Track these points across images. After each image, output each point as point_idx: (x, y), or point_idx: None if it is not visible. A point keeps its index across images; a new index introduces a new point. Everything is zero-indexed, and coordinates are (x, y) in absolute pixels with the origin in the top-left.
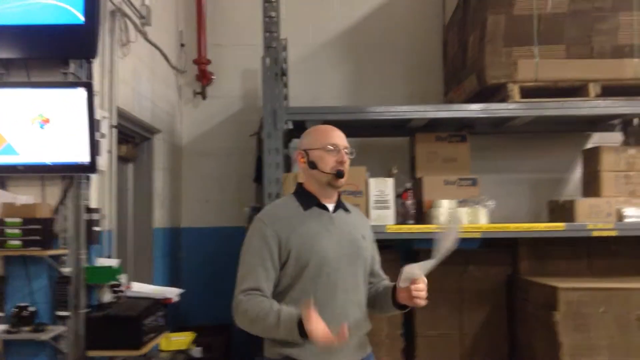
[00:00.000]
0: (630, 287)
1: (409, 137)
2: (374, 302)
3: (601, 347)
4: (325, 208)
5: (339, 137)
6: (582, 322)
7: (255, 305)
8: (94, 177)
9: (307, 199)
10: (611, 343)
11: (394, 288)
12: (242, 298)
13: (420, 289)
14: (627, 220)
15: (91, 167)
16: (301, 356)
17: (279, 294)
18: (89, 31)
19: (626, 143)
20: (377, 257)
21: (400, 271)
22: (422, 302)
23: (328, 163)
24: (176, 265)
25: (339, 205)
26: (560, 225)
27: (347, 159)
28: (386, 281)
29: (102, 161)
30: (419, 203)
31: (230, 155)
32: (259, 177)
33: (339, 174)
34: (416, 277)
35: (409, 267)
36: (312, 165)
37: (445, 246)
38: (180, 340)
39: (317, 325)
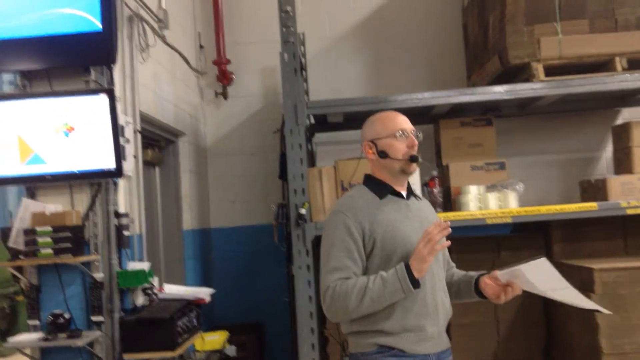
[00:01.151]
0: None
1: (432, 124)
2: (451, 287)
3: None
4: (401, 195)
5: (405, 122)
6: (619, 303)
7: (352, 284)
8: (121, 183)
9: (381, 188)
10: None
11: (478, 277)
12: (335, 285)
13: (510, 292)
14: None
15: (117, 173)
16: (398, 344)
17: None
18: (107, 38)
19: None
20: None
21: (512, 265)
22: (501, 301)
23: (400, 150)
24: (207, 266)
25: (410, 193)
26: (592, 205)
27: (416, 142)
28: (456, 269)
29: (128, 166)
30: (446, 190)
31: (254, 154)
32: (283, 174)
33: (413, 159)
34: (518, 280)
35: (526, 267)
36: (383, 154)
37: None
38: (214, 339)
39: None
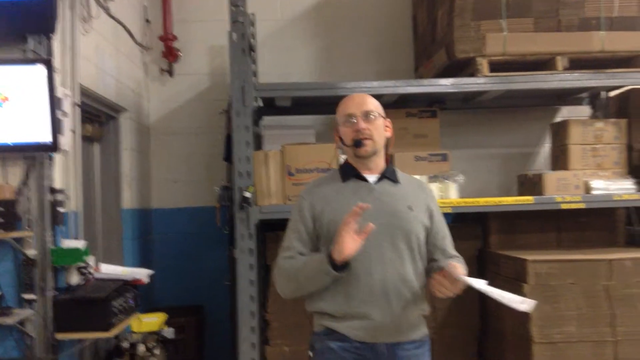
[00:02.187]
0: (597, 258)
1: None
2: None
3: (569, 318)
4: (365, 179)
5: (354, 106)
6: (550, 294)
7: (291, 263)
8: (57, 157)
9: (346, 171)
10: (579, 314)
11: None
12: (281, 262)
13: (446, 286)
14: (594, 192)
15: (53, 147)
16: (342, 329)
17: None
18: (47, 6)
19: (594, 116)
20: (443, 232)
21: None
22: (438, 294)
23: (348, 135)
24: (147, 247)
25: (385, 176)
26: (529, 199)
27: (365, 125)
28: (454, 259)
29: (66, 141)
30: None
31: (199, 134)
32: (229, 156)
33: (357, 144)
34: (461, 280)
35: (475, 281)
36: (342, 140)
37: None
38: (152, 321)
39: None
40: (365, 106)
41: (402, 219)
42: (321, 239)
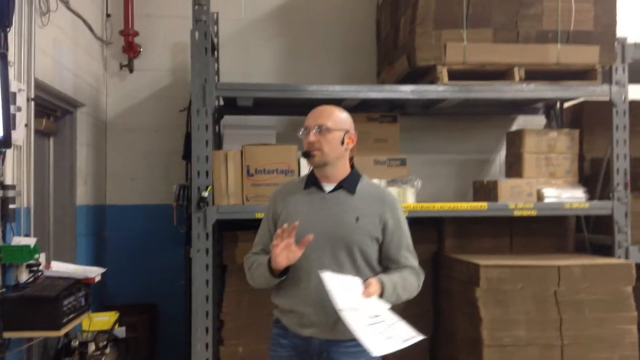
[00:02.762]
0: (547, 264)
1: None
2: None
3: (519, 322)
4: (322, 189)
5: (310, 118)
6: (501, 298)
7: (254, 259)
8: (9, 152)
9: (309, 180)
10: (528, 318)
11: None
12: (248, 257)
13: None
14: (546, 200)
15: (5, 142)
16: (284, 321)
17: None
18: None
19: (548, 126)
20: (398, 243)
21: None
22: None
23: (304, 146)
24: (101, 244)
25: (342, 186)
26: (483, 205)
27: (315, 139)
28: (405, 270)
29: (19, 135)
30: None
31: (158, 132)
32: (187, 155)
33: (305, 155)
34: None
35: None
36: None
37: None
38: (103, 320)
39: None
40: (320, 120)
41: (345, 230)
42: None
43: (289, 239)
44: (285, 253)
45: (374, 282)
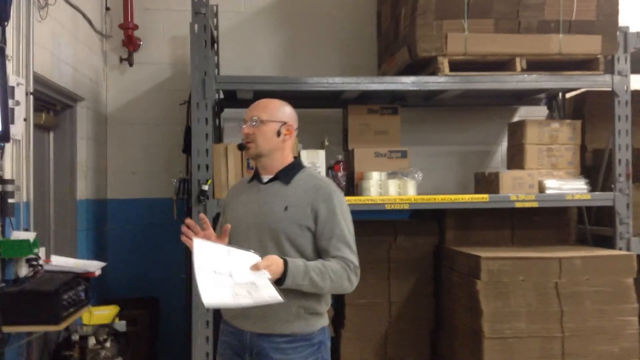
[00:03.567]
0: (548, 256)
1: (342, 108)
2: None
3: (520, 314)
4: (260, 180)
5: (248, 111)
6: (502, 290)
7: None
8: (8, 147)
9: (255, 172)
10: (529, 310)
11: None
12: None
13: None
14: (548, 191)
15: (3, 136)
16: (225, 316)
17: None
18: None
19: (550, 117)
20: (329, 234)
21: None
22: None
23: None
24: (102, 238)
25: (279, 177)
26: (484, 197)
27: (249, 130)
28: (334, 260)
29: (17, 129)
30: (350, 175)
31: (158, 125)
32: (188, 148)
33: (239, 147)
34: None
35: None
36: None
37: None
38: (104, 314)
39: None
40: (255, 112)
41: (272, 219)
42: None
43: (207, 230)
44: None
45: (270, 257)
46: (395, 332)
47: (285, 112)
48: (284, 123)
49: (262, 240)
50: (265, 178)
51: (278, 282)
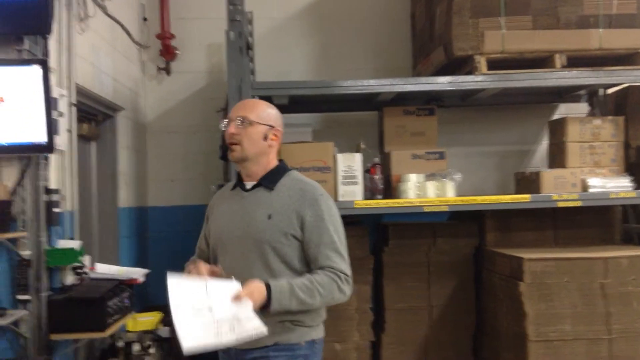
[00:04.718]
0: (593, 256)
1: (377, 111)
2: None
3: (565, 316)
4: (243, 187)
5: (234, 110)
6: (546, 292)
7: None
8: (53, 157)
9: (237, 179)
10: (574, 312)
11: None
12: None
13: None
14: (591, 190)
15: (48, 147)
16: None
17: None
18: (42, 6)
19: (592, 114)
20: (317, 241)
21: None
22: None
23: (226, 140)
24: (143, 245)
25: (262, 184)
26: (525, 197)
27: (235, 131)
28: (323, 271)
29: (61, 140)
30: (387, 178)
31: (196, 133)
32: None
33: (221, 148)
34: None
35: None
36: None
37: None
38: (147, 320)
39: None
40: (242, 112)
41: (255, 228)
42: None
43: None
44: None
45: (250, 284)
46: (436, 336)
47: (274, 115)
48: (272, 127)
49: (245, 253)
50: (249, 185)
51: (264, 308)
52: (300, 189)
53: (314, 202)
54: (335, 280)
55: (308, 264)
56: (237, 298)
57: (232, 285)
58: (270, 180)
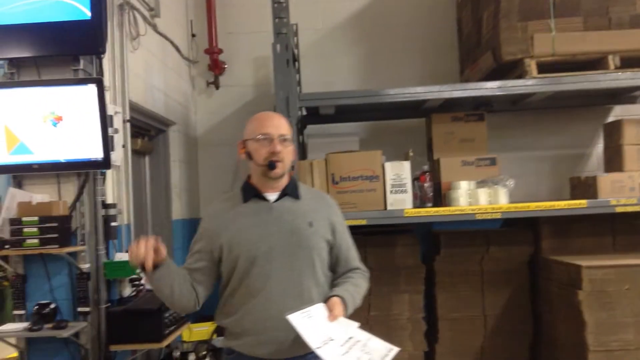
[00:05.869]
0: None
1: (425, 118)
2: None
3: (627, 325)
4: (265, 199)
5: (272, 126)
6: (606, 300)
7: None
8: (109, 172)
9: (247, 191)
10: (637, 320)
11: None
12: None
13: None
14: None
15: (105, 163)
16: (240, 347)
17: (224, 285)
18: (96, 26)
19: None
20: (346, 244)
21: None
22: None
23: (261, 154)
24: None
25: (286, 193)
26: (582, 203)
27: (280, 149)
28: (356, 272)
29: (117, 156)
30: (437, 185)
31: None
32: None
33: (271, 166)
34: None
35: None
36: (249, 156)
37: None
38: (202, 330)
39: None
40: (283, 129)
41: (302, 237)
42: (222, 261)
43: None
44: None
45: (337, 302)
46: (492, 347)
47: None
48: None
49: (293, 263)
50: (273, 196)
51: None
52: (322, 197)
53: (337, 208)
54: (365, 279)
55: (332, 266)
56: (333, 317)
57: (318, 308)
58: (293, 189)
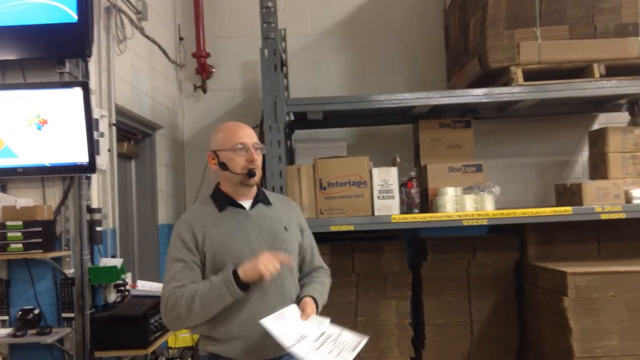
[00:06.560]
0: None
1: (412, 124)
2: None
3: (612, 332)
4: (241, 206)
5: (247, 135)
6: (591, 307)
7: (182, 291)
8: (94, 177)
9: (221, 200)
10: (622, 327)
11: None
12: (173, 292)
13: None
14: (635, 201)
15: (90, 167)
16: (226, 352)
17: None
18: (82, 29)
19: (633, 123)
20: (311, 245)
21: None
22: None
23: (238, 163)
24: None
25: (258, 200)
26: (567, 210)
27: (257, 157)
28: (319, 271)
29: (103, 160)
30: (424, 191)
31: None
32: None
33: (250, 174)
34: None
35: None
36: (223, 166)
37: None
38: (188, 336)
39: (253, 262)
40: (255, 138)
41: (281, 241)
42: (207, 270)
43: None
44: (270, 266)
45: (309, 302)
46: (478, 352)
47: None
48: None
49: (285, 270)
50: (247, 203)
51: None
52: (285, 200)
53: (299, 210)
54: (329, 277)
55: (300, 265)
56: (306, 316)
57: (291, 309)
58: (263, 196)
